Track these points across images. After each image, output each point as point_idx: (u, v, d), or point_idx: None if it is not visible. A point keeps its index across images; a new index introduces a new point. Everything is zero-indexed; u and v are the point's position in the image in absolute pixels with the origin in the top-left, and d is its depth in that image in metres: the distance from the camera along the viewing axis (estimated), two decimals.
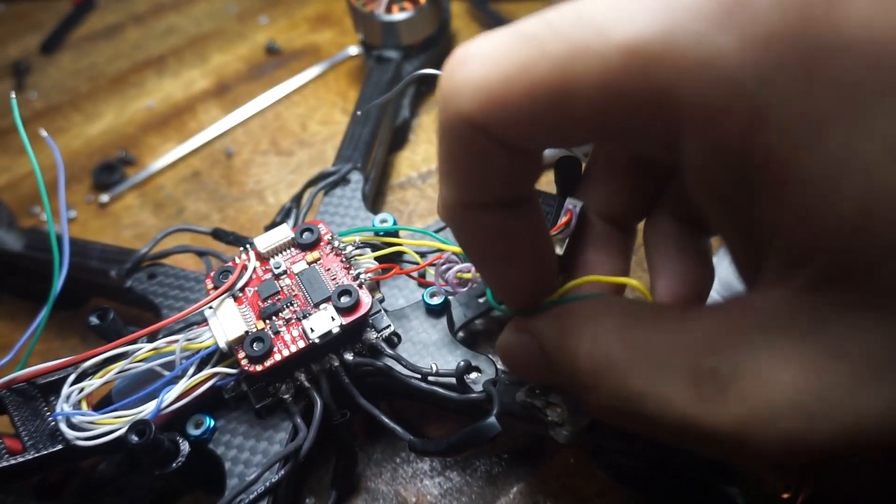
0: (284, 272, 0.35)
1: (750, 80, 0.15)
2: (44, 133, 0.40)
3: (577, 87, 0.17)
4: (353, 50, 0.59)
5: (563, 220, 0.28)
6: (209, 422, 0.33)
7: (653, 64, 0.16)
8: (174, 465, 0.31)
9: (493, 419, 0.30)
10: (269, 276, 0.35)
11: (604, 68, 0.16)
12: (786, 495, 0.28)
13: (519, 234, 0.22)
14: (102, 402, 0.34)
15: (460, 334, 0.38)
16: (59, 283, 0.35)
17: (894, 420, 0.15)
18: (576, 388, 0.21)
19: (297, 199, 0.43)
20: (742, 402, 0.16)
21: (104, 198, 0.52)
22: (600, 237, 0.27)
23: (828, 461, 0.16)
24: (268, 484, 0.31)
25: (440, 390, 0.33)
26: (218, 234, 0.41)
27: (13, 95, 0.37)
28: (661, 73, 0.16)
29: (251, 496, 0.31)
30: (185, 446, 0.32)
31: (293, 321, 0.33)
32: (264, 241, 0.36)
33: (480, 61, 0.18)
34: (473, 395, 0.33)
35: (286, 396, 0.33)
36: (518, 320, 0.24)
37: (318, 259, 0.35)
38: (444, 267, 0.33)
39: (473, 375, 0.33)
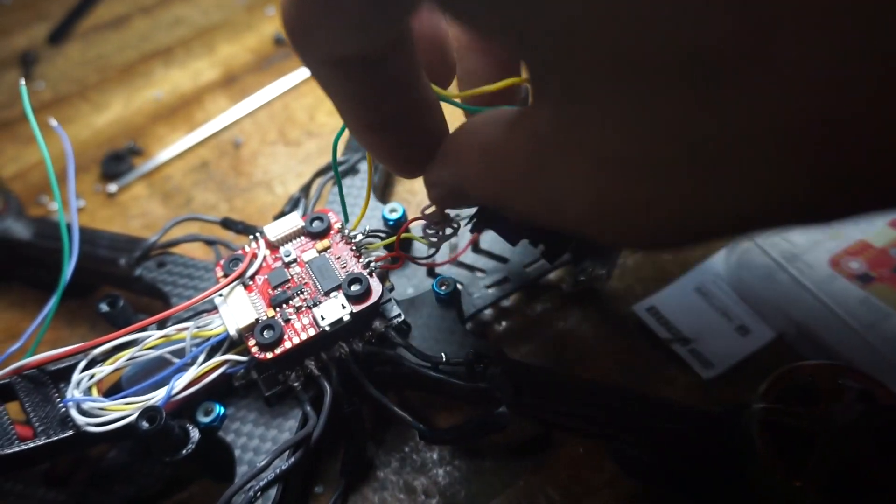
0: (294, 260, 0.35)
1: None
2: (54, 123, 0.40)
3: None
4: None
5: None
6: (219, 409, 0.33)
7: None
8: (184, 451, 0.31)
9: (504, 409, 0.30)
10: (279, 264, 0.35)
11: None
12: (798, 484, 0.27)
13: (389, 93, 0.22)
14: (113, 389, 0.34)
15: (469, 324, 0.38)
16: (68, 271, 0.35)
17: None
18: (472, 181, 0.22)
19: (306, 188, 0.43)
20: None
21: (112, 188, 0.52)
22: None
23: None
24: (278, 471, 0.31)
25: (450, 379, 0.33)
26: (227, 224, 0.41)
27: (23, 83, 0.37)
28: None
29: (261, 483, 0.31)
30: (195, 433, 0.32)
31: (303, 309, 0.33)
32: (274, 230, 0.36)
33: None
34: (483, 384, 0.33)
35: (296, 384, 0.33)
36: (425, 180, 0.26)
37: (329, 247, 0.35)
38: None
39: (483, 364, 0.33)
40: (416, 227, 0.33)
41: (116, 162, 0.53)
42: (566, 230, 0.20)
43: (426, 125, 0.24)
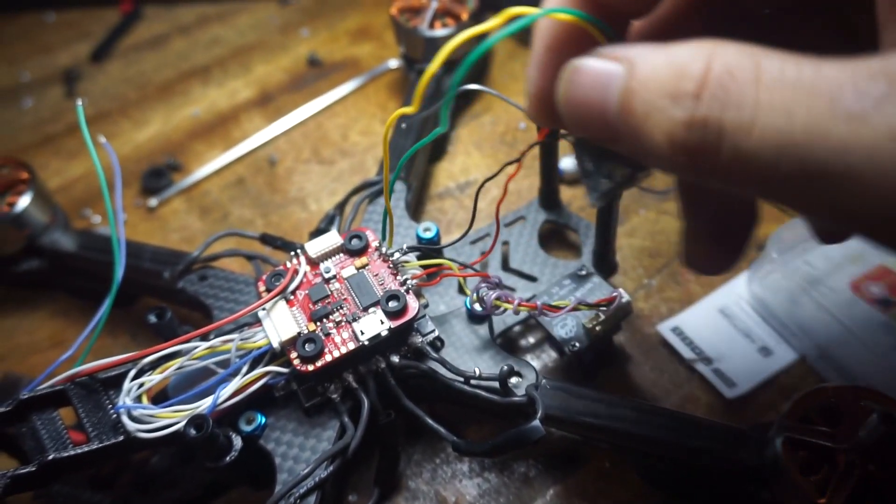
0: (334, 276, 0.37)
1: None
2: (102, 139, 0.42)
3: None
4: (393, 63, 0.61)
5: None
6: (260, 419, 0.35)
7: None
8: (227, 458, 0.33)
9: (537, 422, 0.31)
10: (319, 280, 0.37)
11: None
12: (821, 501, 0.28)
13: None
14: (159, 397, 0.35)
15: (499, 339, 0.40)
16: (117, 281, 0.37)
17: None
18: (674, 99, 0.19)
19: (341, 206, 0.45)
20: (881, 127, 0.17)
21: (152, 202, 0.54)
22: None
23: None
24: (317, 479, 0.32)
25: (483, 393, 0.34)
26: (266, 239, 0.43)
27: (79, 103, 0.39)
28: None
29: (301, 490, 0.32)
30: (237, 441, 0.33)
31: (343, 323, 0.35)
32: (314, 247, 0.37)
33: None
34: (516, 398, 0.34)
35: (334, 396, 0.35)
36: (605, 50, 0.21)
37: (367, 265, 0.37)
38: (484, 286, 0.35)
39: (515, 380, 0.35)
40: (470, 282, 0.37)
41: (156, 177, 0.55)
42: None
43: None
